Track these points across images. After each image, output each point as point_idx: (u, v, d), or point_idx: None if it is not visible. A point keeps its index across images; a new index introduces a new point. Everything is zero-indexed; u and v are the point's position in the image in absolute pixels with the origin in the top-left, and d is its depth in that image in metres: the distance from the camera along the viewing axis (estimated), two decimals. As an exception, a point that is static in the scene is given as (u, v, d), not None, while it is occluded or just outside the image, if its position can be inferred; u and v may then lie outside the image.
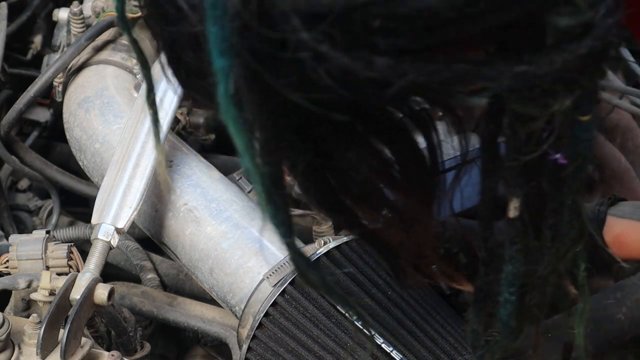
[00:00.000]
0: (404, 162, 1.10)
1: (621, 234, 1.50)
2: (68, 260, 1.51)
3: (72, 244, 1.54)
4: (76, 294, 1.37)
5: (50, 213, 2.00)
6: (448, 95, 0.90)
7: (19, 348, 1.33)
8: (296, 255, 0.94)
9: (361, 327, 1.39)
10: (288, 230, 0.91)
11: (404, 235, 1.21)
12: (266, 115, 0.85)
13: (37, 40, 2.12)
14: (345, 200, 1.07)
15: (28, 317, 1.36)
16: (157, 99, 1.60)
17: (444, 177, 1.16)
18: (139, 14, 1.92)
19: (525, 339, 1.23)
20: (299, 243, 0.96)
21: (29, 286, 1.45)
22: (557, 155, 0.93)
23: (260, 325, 1.43)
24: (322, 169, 1.01)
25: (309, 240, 1.59)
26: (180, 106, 1.87)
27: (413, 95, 0.90)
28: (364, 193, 1.08)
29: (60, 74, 1.82)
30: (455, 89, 0.86)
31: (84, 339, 1.36)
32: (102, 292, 1.38)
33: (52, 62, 1.82)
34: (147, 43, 1.86)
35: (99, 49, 1.84)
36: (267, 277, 1.46)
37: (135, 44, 1.02)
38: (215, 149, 2.14)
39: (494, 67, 0.83)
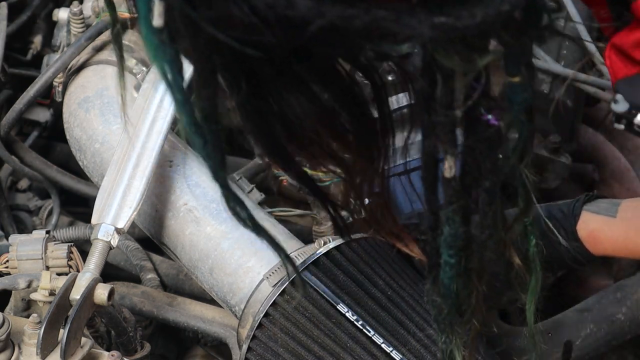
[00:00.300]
0: (351, 116, 1.11)
1: (595, 230, 1.49)
2: (68, 260, 1.51)
3: (72, 244, 1.54)
4: (76, 294, 1.37)
5: (50, 213, 2.00)
6: (369, 41, 0.91)
7: (19, 348, 1.33)
8: (226, 191, 0.96)
9: (361, 327, 1.39)
10: (217, 165, 0.93)
11: (346, 188, 1.21)
12: (198, 50, 0.87)
13: (37, 40, 2.12)
14: (287, 146, 1.09)
15: (28, 317, 1.36)
16: (157, 99, 1.61)
17: (392, 135, 1.17)
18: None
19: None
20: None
21: (29, 286, 1.45)
22: (489, 116, 0.94)
23: (260, 325, 1.43)
24: (267, 114, 1.03)
25: (309, 240, 1.59)
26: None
27: (335, 39, 0.91)
28: (308, 142, 1.10)
29: (60, 74, 1.82)
30: (376, 35, 0.87)
31: (84, 339, 1.36)
32: (102, 292, 1.38)
33: (52, 62, 1.82)
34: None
35: (99, 49, 1.84)
36: (267, 277, 1.46)
37: None
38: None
39: (413, 16, 0.84)
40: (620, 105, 1.32)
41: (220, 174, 0.94)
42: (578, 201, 1.51)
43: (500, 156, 0.98)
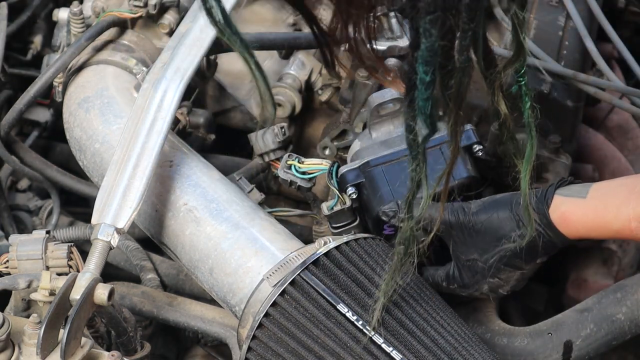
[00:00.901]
0: None
1: (566, 212, 1.49)
2: (68, 260, 1.51)
3: (72, 244, 1.54)
4: (76, 294, 1.37)
5: (50, 213, 2.00)
6: None
7: (19, 348, 1.33)
8: None
9: (361, 327, 1.39)
10: None
11: (334, 14, 1.19)
12: None
13: (37, 40, 2.12)
14: None
15: (28, 317, 1.36)
16: (157, 99, 1.61)
17: None
18: (140, 13, 1.94)
19: None
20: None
21: (29, 286, 1.45)
22: None
23: (260, 325, 1.43)
24: None
25: (309, 240, 1.59)
26: (180, 106, 1.87)
27: None
28: None
29: (60, 74, 1.82)
30: None
31: (84, 339, 1.36)
32: (102, 292, 1.38)
33: (52, 62, 1.82)
34: (148, 43, 1.87)
35: (99, 49, 1.84)
36: (267, 277, 1.46)
37: None
38: (215, 149, 2.15)
39: None
40: None
41: None
42: (551, 186, 1.52)
43: None
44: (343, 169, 1.64)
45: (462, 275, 1.55)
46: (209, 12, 0.97)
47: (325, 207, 1.64)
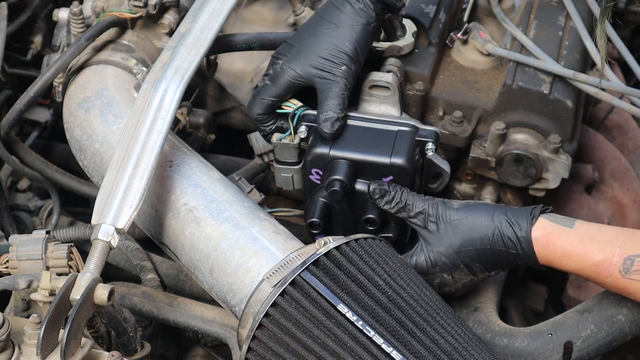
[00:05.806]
0: None
1: (551, 234, 1.55)
2: (68, 261, 1.51)
3: (72, 244, 1.54)
4: (76, 294, 1.37)
5: (50, 213, 2.00)
6: None
7: (19, 348, 1.33)
8: None
9: (361, 327, 1.39)
10: None
11: None
12: None
13: (37, 40, 2.12)
14: None
15: (28, 317, 1.36)
16: (157, 99, 1.61)
17: None
18: (140, 13, 1.94)
19: None
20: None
21: (29, 286, 1.45)
22: None
23: (260, 325, 1.43)
24: None
25: (309, 240, 1.59)
26: (180, 106, 1.87)
27: None
28: None
29: (60, 74, 1.82)
30: None
31: (84, 339, 1.36)
32: (102, 292, 1.38)
33: (52, 62, 1.82)
34: (148, 43, 1.87)
35: (99, 49, 1.84)
36: (267, 278, 1.46)
37: None
38: (215, 149, 2.15)
39: None
40: None
41: None
42: (535, 208, 1.59)
43: None
44: (307, 111, 1.73)
45: (420, 263, 1.61)
46: None
47: (275, 136, 1.74)
